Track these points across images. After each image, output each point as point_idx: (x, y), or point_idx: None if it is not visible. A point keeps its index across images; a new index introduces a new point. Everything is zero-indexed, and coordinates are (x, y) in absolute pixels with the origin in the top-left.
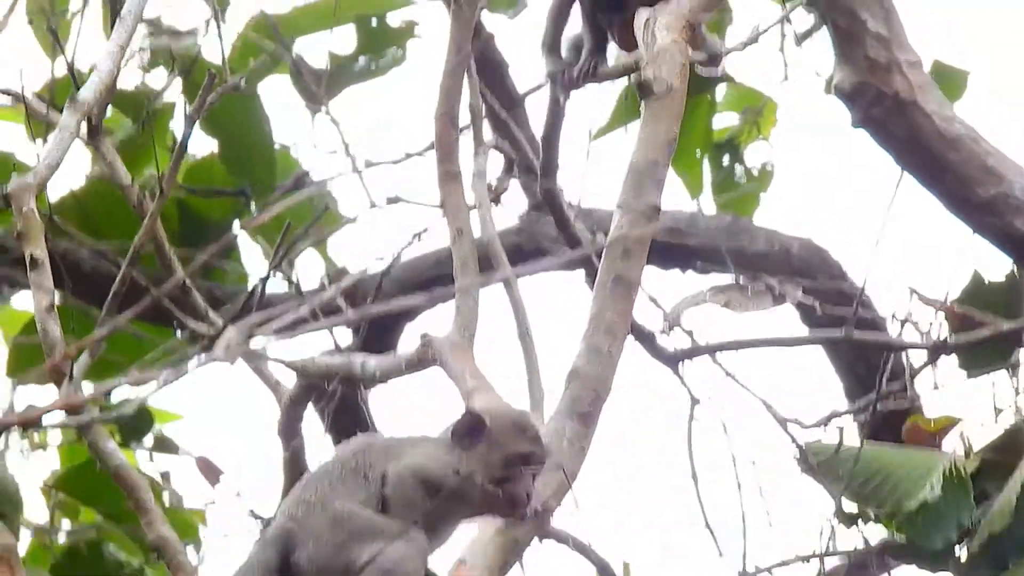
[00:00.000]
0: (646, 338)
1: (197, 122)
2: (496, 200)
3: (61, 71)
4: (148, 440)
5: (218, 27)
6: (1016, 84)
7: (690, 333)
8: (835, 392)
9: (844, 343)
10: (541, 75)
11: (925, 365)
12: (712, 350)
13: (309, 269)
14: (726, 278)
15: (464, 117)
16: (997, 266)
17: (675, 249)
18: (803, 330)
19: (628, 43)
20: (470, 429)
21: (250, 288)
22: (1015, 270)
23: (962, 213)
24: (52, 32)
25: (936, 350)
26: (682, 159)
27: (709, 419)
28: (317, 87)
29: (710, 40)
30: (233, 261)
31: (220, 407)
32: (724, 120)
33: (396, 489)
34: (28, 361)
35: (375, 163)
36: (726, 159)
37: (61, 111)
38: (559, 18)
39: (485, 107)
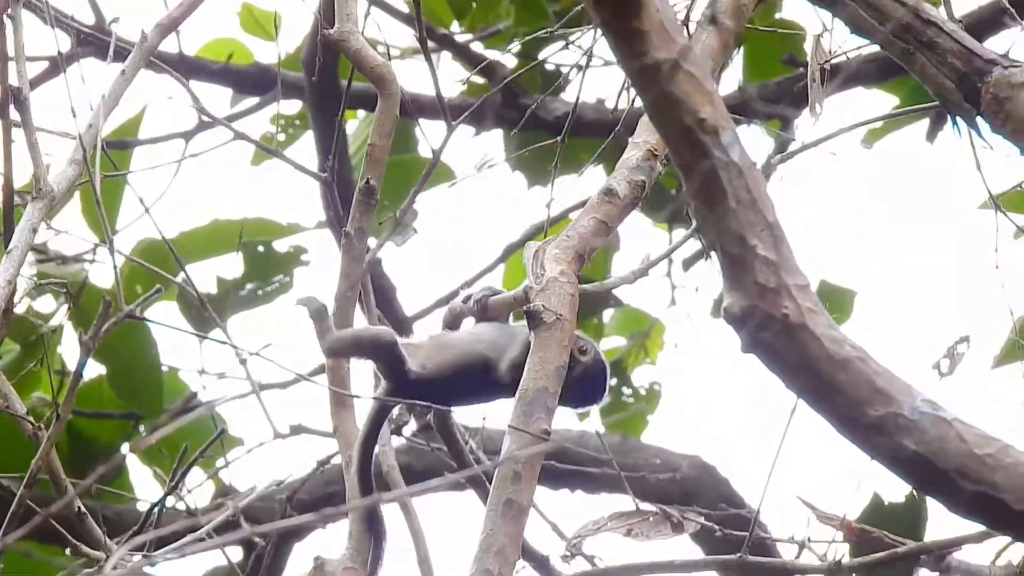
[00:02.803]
0: (539, 562)
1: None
2: (398, 431)
3: None
4: None
5: (111, 254)
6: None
7: (591, 559)
8: None
9: (739, 567)
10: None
11: None
12: None
13: (201, 490)
14: (620, 499)
15: None
16: (896, 488)
17: (565, 469)
18: (697, 551)
19: None
20: None
21: (144, 509)
22: (914, 491)
23: (852, 434)
24: None
25: (833, 573)
26: None
27: None
28: (203, 312)
29: None
30: (122, 482)
31: None
32: (611, 343)
33: None
34: None
35: (268, 386)
36: (614, 381)
37: None
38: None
39: None
